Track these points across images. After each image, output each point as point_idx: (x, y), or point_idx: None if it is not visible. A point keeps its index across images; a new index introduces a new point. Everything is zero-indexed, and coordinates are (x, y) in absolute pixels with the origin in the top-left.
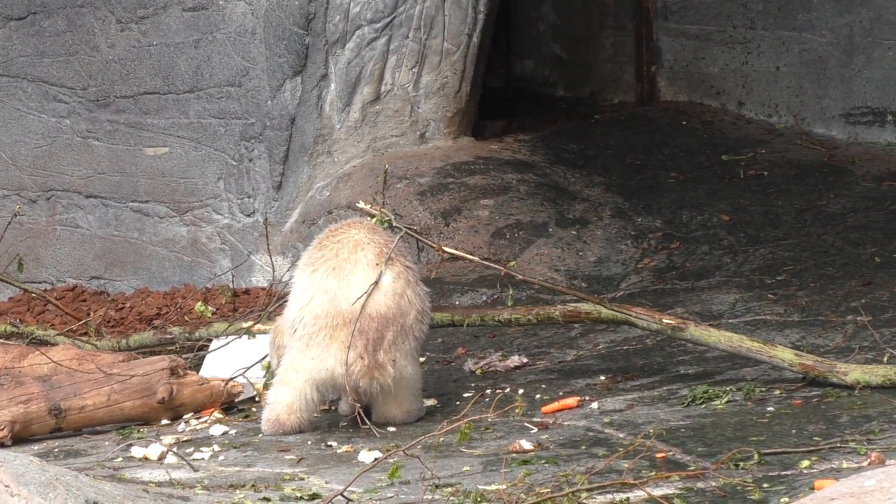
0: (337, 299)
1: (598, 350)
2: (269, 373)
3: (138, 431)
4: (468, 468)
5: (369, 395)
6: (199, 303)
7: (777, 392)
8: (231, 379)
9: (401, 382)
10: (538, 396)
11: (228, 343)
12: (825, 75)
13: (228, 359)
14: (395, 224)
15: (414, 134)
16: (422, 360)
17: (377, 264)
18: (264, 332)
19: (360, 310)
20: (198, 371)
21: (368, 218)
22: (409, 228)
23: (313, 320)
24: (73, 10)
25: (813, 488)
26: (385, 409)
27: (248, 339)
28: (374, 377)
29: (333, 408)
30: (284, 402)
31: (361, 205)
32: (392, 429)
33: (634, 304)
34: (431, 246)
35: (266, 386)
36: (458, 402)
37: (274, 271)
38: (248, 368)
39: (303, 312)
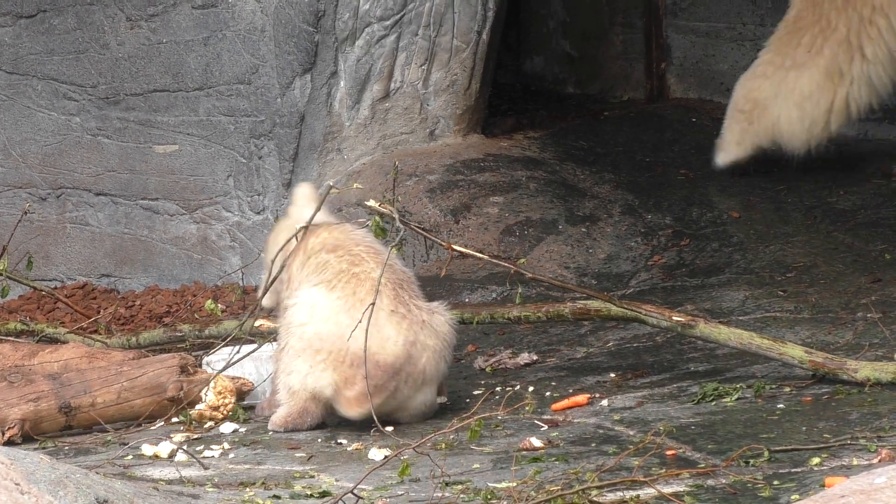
0: (343, 337)
1: (608, 347)
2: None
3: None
4: (478, 466)
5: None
6: (209, 300)
7: (787, 389)
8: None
9: (408, 402)
10: (548, 394)
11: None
12: None
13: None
14: (402, 222)
15: (423, 131)
16: None
17: (392, 311)
18: (273, 330)
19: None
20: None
21: (376, 218)
22: (418, 227)
23: (317, 336)
24: (83, 8)
25: (823, 485)
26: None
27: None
28: (371, 412)
29: None
30: (287, 410)
31: (371, 203)
32: (401, 426)
33: (644, 302)
34: (441, 244)
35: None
36: (468, 400)
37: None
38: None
39: (311, 320)
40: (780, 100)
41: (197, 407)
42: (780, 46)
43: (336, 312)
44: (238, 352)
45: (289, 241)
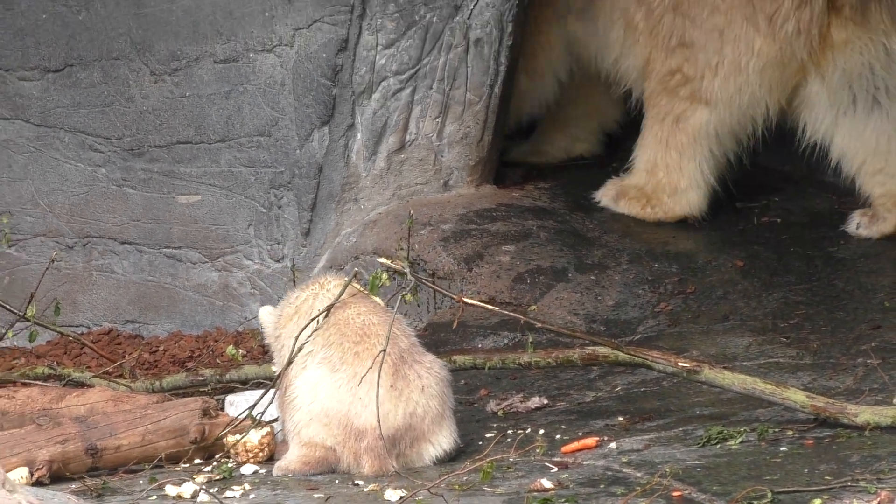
0: (349, 416)
1: (616, 392)
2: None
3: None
4: None
5: None
6: (231, 346)
7: (790, 433)
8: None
9: (422, 456)
10: (558, 437)
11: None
12: None
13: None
14: (414, 277)
15: (438, 182)
16: None
17: (391, 386)
18: None
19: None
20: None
21: (377, 272)
22: (429, 281)
23: (324, 414)
24: (109, 63)
25: None
26: None
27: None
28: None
29: None
30: (302, 458)
31: (383, 260)
32: (416, 468)
33: (651, 348)
34: (452, 297)
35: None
36: (480, 442)
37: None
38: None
39: (314, 399)
40: None
41: (241, 439)
42: None
43: (338, 387)
44: (264, 395)
45: (309, 323)
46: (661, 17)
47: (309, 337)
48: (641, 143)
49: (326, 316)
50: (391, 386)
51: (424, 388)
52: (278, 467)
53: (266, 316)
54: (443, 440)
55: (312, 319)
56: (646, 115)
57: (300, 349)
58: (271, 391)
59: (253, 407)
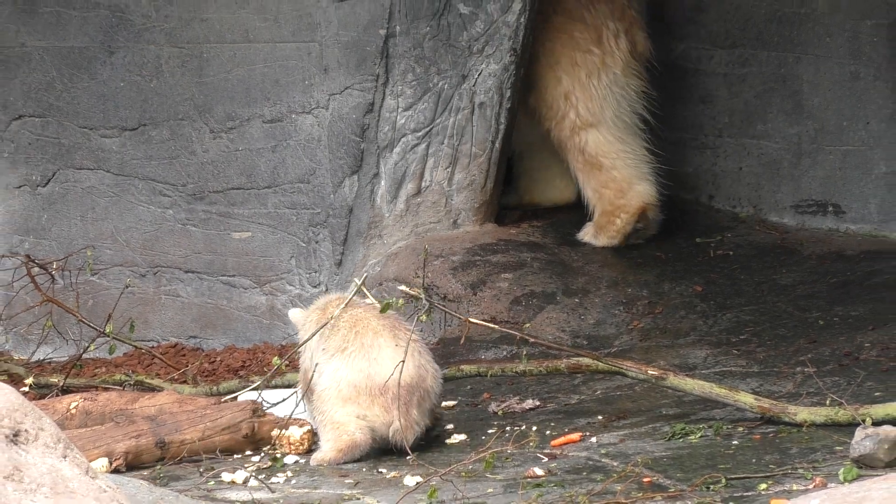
0: (371, 376)
1: (597, 395)
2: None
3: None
4: (492, 490)
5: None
6: (276, 357)
7: (740, 429)
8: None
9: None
10: (548, 432)
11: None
12: (779, 174)
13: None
14: (428, 301)
15: (448, 221)
16: (454, 403)
17: (397, 346)
18: None
19: (396, 381)
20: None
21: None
22: (441, 304)
23: (351, 388)
24: (175, 122)
25: None
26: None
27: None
28: (407, 432)
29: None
30: (334, 447)
31: (403, 287)
32: (430, 457)
33: (625, 359)
34: (459, 317)
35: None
36: (483, 437)
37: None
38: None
39: (339, 382)
40: None
41: (284, 433)
42: None
43: (353, 359)
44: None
45: (323, 326)
46: (546, 89)
47: (322, 342)
48: (583, 186)
49: (338, 315)
50: (395, 345)
51: (421, 351)
52: (314, 459)
53: (295, 315)
54: (437, 395)
55: (324, 324)
56: (569, 165)
57: (317, 332)
58: (297, 391)
59: (276, 405)
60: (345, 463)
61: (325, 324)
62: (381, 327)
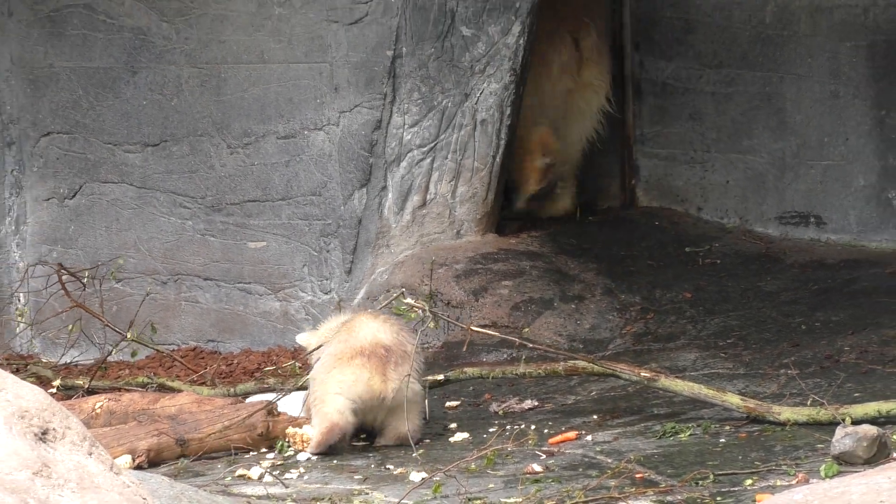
0: (349, 342)
1: (592, 395)
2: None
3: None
4: (493, 486)
5: (387, 411)
6: (291, 361)
7: (727, 428)
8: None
9: (410, 398)
10: (546, 431)
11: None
12: (764, 187)
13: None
14: (430, 311)
15: (452, 231)
16: (457, 403)
17: (382, 322)
18: None
19: (372, 343)
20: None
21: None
22: (444, 314)
23: (332, 358)
24: (195, 138)
25: (755, 501)
26: (397, 426)
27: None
28: (386, 387)
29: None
30: (319, 431)
31: (409, 300)
32: (434, 454)
33: (619, 361)
34: (462, 326)
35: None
36: (485, 435)
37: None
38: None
39: (324, 359)
40: None
41: (297, 430)
42: None
43: (339, 343)
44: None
45: (330, 336)
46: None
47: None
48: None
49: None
50: (382, 322)
51: (408, 337)
52: (310, 448)
53: (303, 339)
54: (420, 362)
55: (319, 345)
56: None
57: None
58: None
59: (271, 403)
60: (329, 445)
61: (321, 345)
62: (369, 316)
